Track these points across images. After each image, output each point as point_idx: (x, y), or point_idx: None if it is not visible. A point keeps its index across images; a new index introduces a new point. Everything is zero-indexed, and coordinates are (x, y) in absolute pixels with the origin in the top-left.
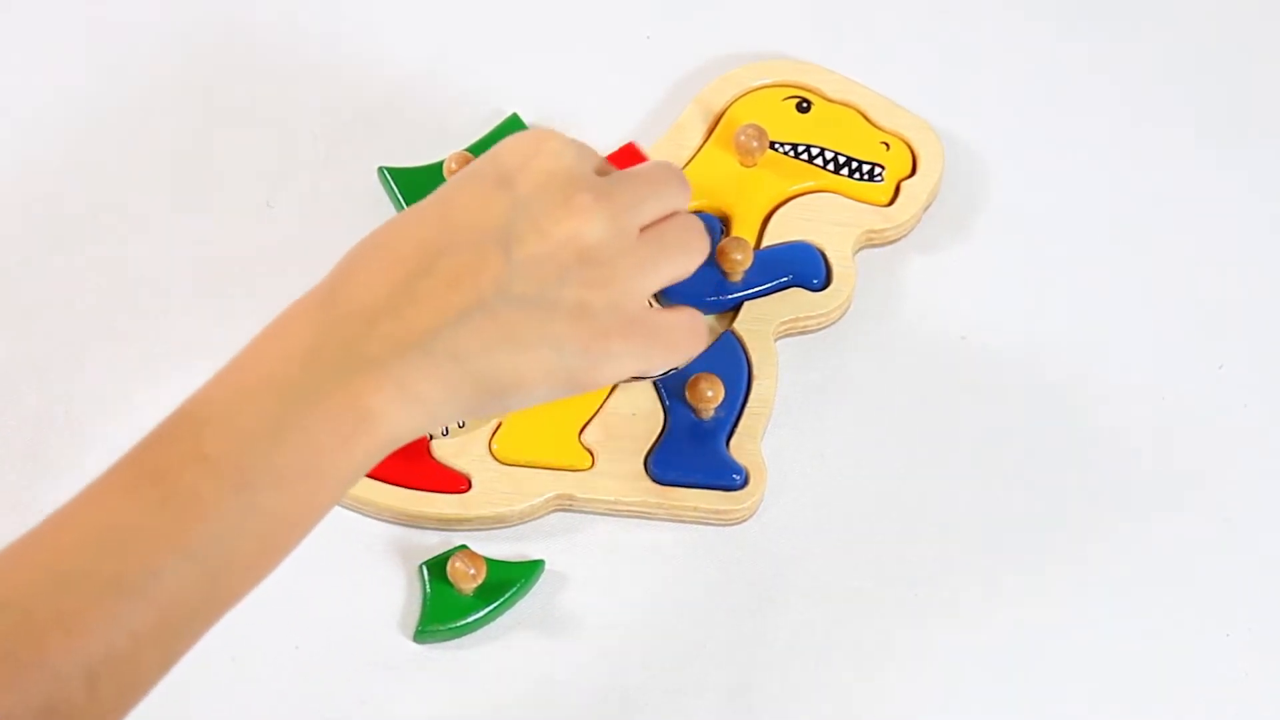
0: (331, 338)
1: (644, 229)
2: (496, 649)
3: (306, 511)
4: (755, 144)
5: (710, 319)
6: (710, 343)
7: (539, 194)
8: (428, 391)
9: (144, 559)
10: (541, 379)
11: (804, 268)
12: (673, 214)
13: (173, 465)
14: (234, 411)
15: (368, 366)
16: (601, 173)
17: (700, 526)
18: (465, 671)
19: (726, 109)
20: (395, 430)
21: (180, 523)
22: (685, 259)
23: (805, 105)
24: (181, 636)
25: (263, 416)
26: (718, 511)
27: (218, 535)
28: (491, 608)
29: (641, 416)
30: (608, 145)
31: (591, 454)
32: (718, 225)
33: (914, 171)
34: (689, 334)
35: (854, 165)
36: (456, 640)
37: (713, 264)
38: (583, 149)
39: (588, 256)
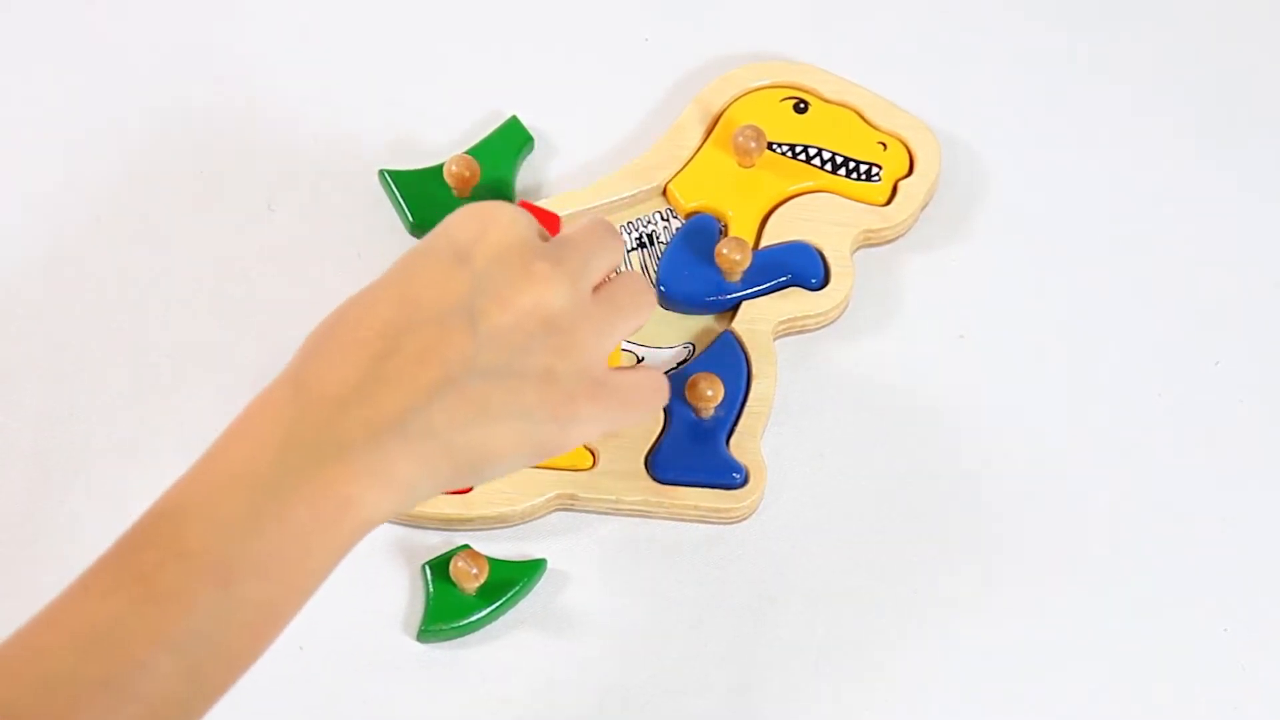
0: (303, 426)
1: (595, 289)
2: (499, 648)
3: (290, 599)
4: (753, 144)
5: (709, 319)
6: (706, 347)
7: (497, 266)
8: (404, 472)
9: (130, 657)
10: (513, 449)
11: (802, 267)
12: (615, 273)
13: (154, 562)
14: (212, 505)
15: (342, 454)
16: (542, 238)
17: (701, 525)
18: (468, 670)
19: (725, 110)
20: (374, 513)
21: (165, 619)
22: (637, 316)
23: (803, 106)
24: None
25: (241, 509)
26: (718, 510)
27: (202, 628)
28: (494, 607)
29: None
30: (606, 150)
31: (593, 454)
32: (716, 226)
33: (911, 171)
34: (652, 393)
35: (851, 165)
36: (459, 639)
37: (712, 264)
38: (529, 218)
39: (552, 324)
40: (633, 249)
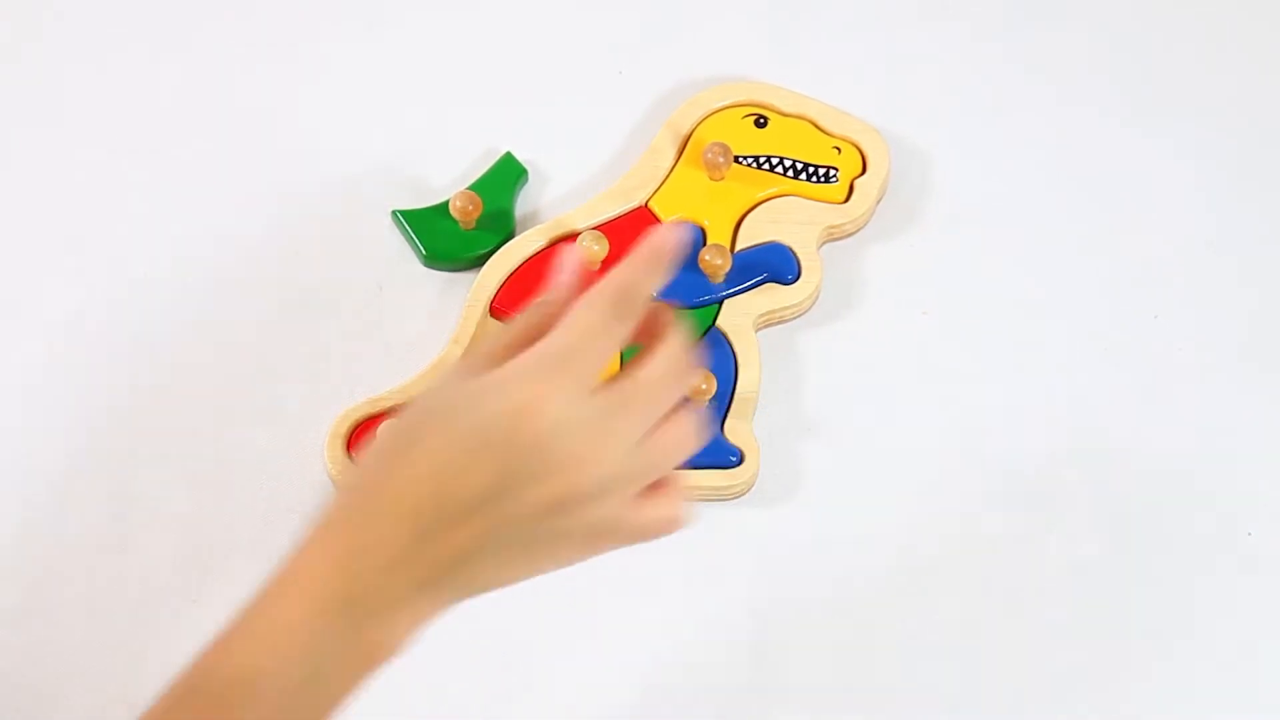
0: (353, 586)
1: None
2: (529, 625)
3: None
4: (721, 159)
5: (697, 318)
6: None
7: (533, 451)
8: (430, 616)
9: None
10: (525, 578)
11: (778, 265)
12: (672, 417)
13: None
14: (278, 676)
15: (387, 609)
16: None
17: (705, 503)
18: (502, 655)
19: (693, 130)
20: (398, 653)
21: None
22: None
23: (762, 121)
24: None
25: (300, 672)
26: (719, 488)
27: None
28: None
29: None
30: (592, 175)
31: None
32: (699, 234)
33: (864, 171)
34: (669, 525)
35: (810, 170)
36: (487, 623)
37: (696, 270)
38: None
39: (579, 495)
40: None
